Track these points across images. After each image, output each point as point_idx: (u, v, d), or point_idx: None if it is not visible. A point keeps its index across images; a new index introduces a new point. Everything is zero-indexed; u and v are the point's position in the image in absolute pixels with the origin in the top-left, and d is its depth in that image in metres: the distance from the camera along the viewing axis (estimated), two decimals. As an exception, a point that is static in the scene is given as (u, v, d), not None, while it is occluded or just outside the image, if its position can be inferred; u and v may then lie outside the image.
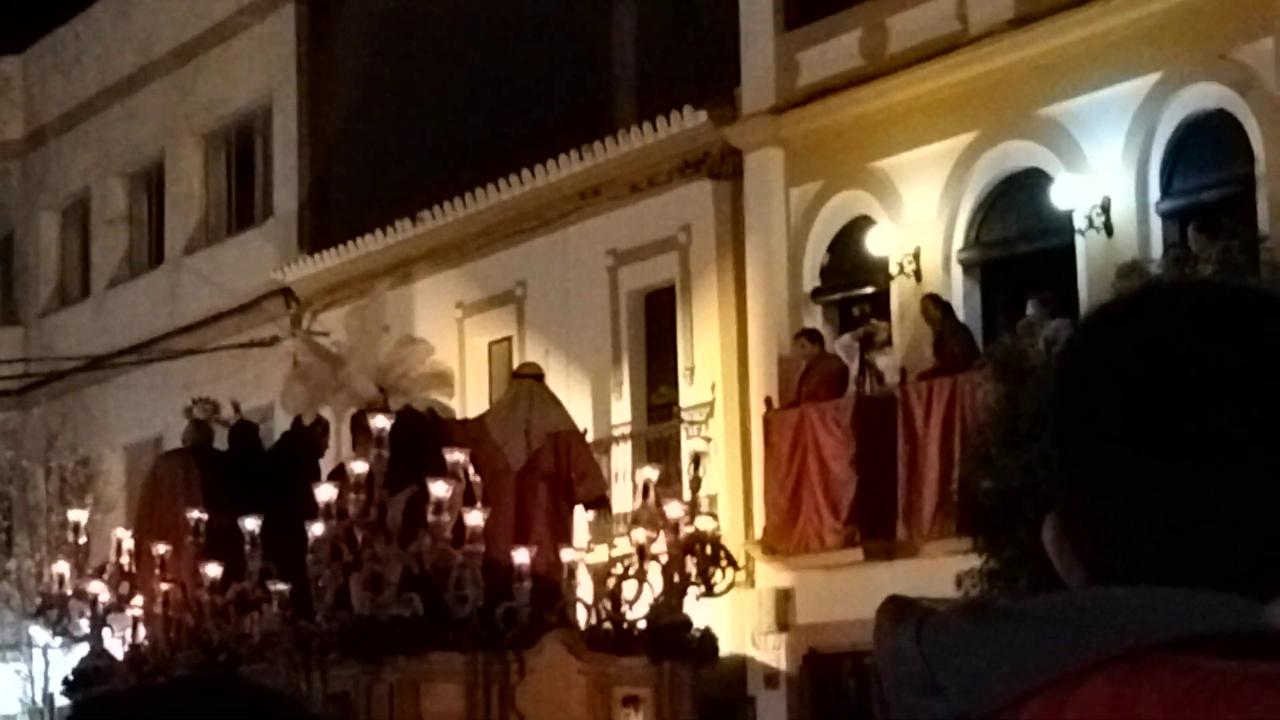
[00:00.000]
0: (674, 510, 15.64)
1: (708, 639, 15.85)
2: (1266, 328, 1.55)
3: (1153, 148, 16.85)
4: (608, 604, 15.52)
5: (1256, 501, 1.51)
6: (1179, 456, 1.53)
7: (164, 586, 16.76)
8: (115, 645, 17.63)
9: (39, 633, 21.47)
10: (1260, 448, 1.51)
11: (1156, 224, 16.87)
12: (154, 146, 30.18)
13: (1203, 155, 16.74)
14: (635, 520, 16.03)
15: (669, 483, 17.10)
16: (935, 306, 18.11)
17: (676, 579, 15.56)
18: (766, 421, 19.35)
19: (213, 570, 16.12)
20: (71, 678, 17.98)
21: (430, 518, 14.61)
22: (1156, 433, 1.53)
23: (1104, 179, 17.04)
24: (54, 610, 18.09)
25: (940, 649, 1.52)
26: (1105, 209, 16.98)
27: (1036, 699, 1.49)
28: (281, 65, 27.74)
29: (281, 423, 19.73)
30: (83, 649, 18.01)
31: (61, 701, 22.06)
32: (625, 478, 19.48)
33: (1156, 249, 16.54)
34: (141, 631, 17.22)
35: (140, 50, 30.37)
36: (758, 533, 19.39)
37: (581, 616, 15.51)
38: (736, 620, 18.95)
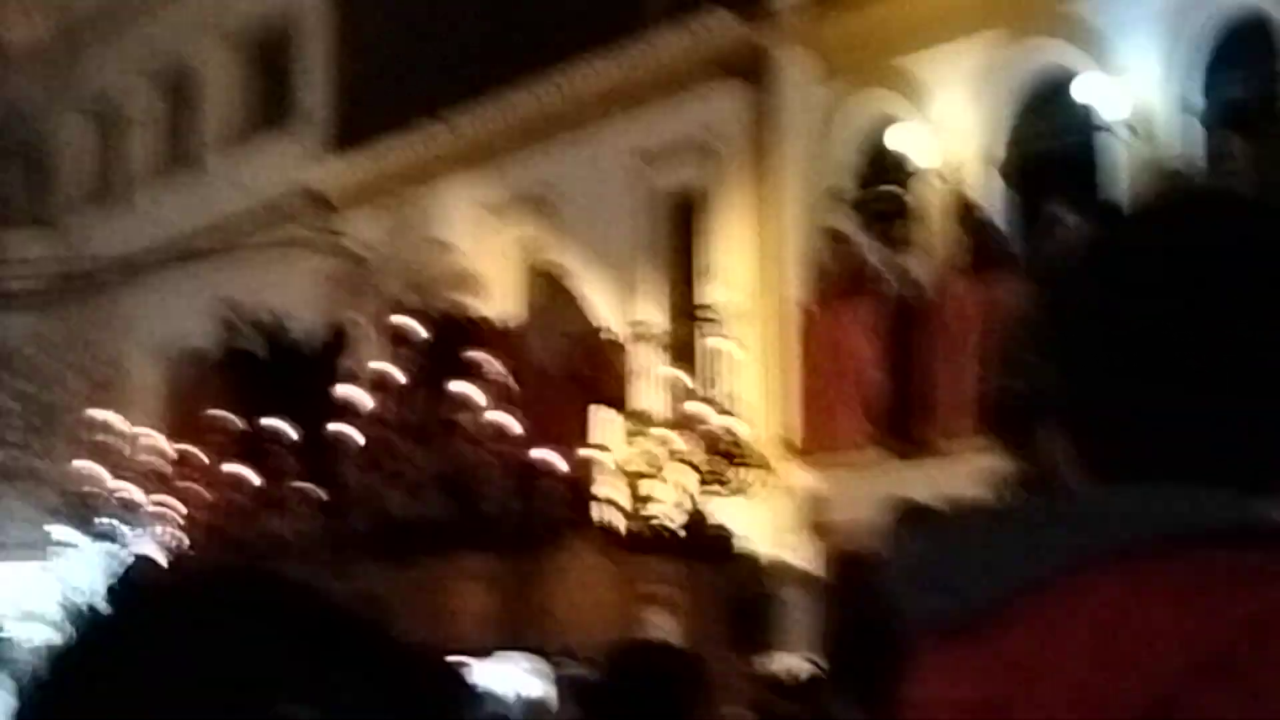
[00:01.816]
0: (703, 412, 15.68)
1: (735, 539, 15.93)
2: (1269, 240, 1.57)
3: (1186, 47, 16.72)
4: (636, 504, 15.60)
5: (1258, 409, 1.54)
6: (1183, 367, 1.55)
7: (196, 488, 16.88)
8: (148, 546, 17.77)
9: (71, 533, 21.63)
10: (1259, 360, 1.54)
11: (1190, 125, 16.77)
12: (181, 46, 30.11)
13: (1238, 56, 16.60)
14: (663, 421, 16.07)
15: (697, 384, 17.13)
16: (967, 206, 18.06)
17: (704, 479, 15.63)
18: (795, 323, 19.34)
19: (245, 472, 16.22)
20: (106, 579, 18.15)
21: (459, 418, 14.68)
22: (1163, 344, 1.56)
23: (1136, 79, 16.93)
24: (86, 511, 18.24)
25: (950, 547, 1.56)
26: (1137, 109, 16.89)
27: (1046, 593, 1.52)
28: (308, -35, 27.62)
29: (313, 325, 19.78)
30: (115, 549, 18.17)
31: (96, 602, 22.25)
32: (653, 379, 19.52)
33: (1189, 150, 16.46)
34: (174, 532, 17.36)
35: (167, -50, 30.26)
36: (786, 434, 19.42)
37: (610, 517, 15.59)
38: (765, 520, 19.02)
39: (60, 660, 1.24)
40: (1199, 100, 16.79)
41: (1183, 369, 1.55)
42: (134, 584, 17.22)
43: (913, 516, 1.60)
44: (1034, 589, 1.52)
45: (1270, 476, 1.55)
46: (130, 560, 17.89)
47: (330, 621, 1.23)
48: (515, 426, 14.87)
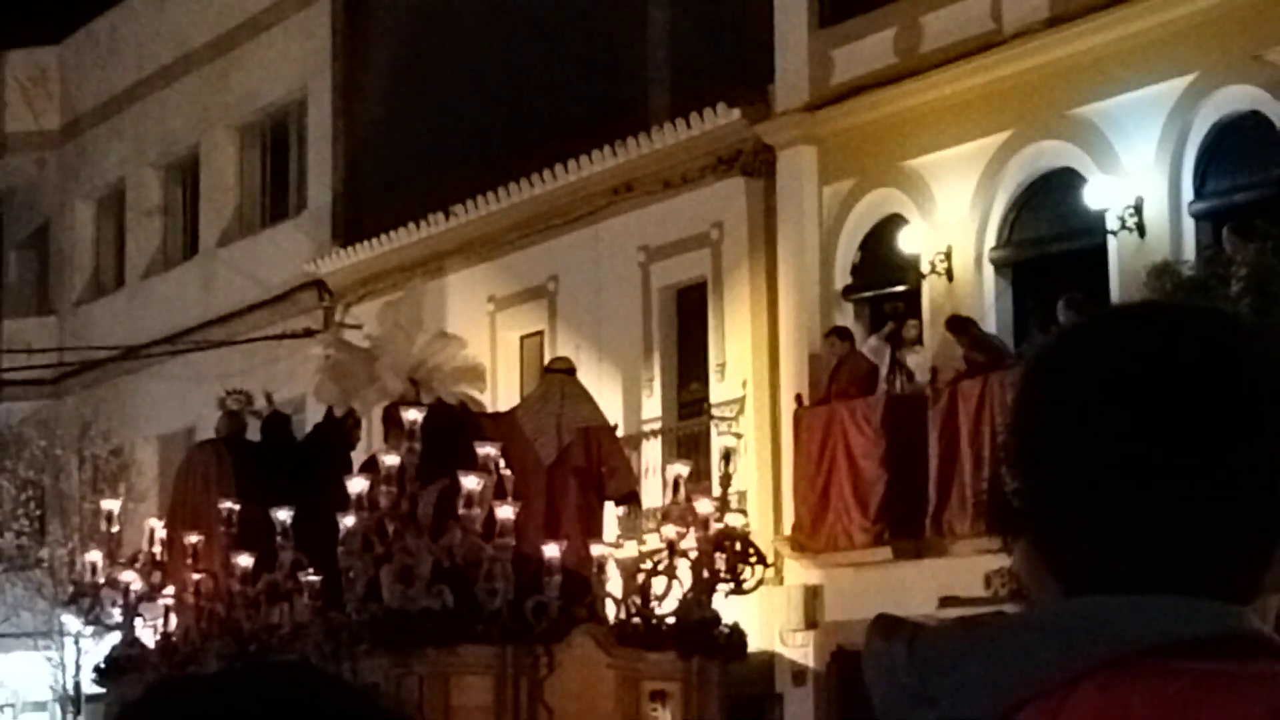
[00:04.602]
0: (704, 506, 15.66)
1: (736, 635, 15.87)
2: (1225, 350, 1.59)
3: (1186, 149, 16.83)
4: (637, 599, 15.55)
5: (1219, 516, 1.56)
6: (1141, 479, 1.56)
7: (195, 576, 16.83)
8: (147, 634, 17.70)
9: (71, 621, 21.57)
10: (1222, 465, 1.56)
11: (1189, 225, 16.86)
12: (189, 138, 30.30)
13: (1236, 157, 16.72)
14: (665, 516, 16.05)
15: (699, 479, 17.13)
16: (955, 329, 17.93)
17: (706, 575, 15.59)
18: (797, 419, 19.37)
19: (244, 560, 16.18)
20: (103, 666, 18.07)
21: (461, 511, 14.66)
22: (1118, 458, 1.57)
23: (1137, 180, 17.03)
24: (86, 599, 18.17)
25: (932, 662, 1.56)
26: (1138, 209, 16.98)
27: (1028, 708, 1.53)
28: (316, 58, 27.84)
29: (314, 414, 19.80)
30: (114, 638, 18.10)
31: (92, 689, 22.16)
32: (655, 473, 19.52)
33: (1189, 250, 16.54)
34: (173, 621, 17.29)
35: (176, 42, 30.50)
36: (787, 530, 19.41)
37: (611, 611, 15.54)
38: (765, 617, 18.98)
39: None
40: (1199, 200, 16.89)
41: (1148, 478, 1.56)
42: (124, 676, 17.14)
43: (894, 630, 1.58)
44: (1020, 704, 1.53)
45: (1244, 584, 1.56)
46: (117, 645, 17.82)
47: (366, 715, 1.25)
48: (517, 519, 14.85)
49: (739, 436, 19.65)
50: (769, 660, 19.40)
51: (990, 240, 18.61)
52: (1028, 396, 1.64)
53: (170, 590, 17.27)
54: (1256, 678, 1.50)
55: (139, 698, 1.25)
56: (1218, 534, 1.55)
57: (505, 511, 14.71)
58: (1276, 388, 1.57)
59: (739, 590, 15.79)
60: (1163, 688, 1.50)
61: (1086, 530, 1.58)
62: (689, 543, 15.59)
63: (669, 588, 15.55)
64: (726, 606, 15.94)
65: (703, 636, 15.52)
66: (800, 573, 19.42)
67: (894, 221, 19.39)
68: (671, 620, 15.55)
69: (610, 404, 19.20)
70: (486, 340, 23.12)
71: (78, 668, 26.42)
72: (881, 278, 19.77)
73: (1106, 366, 1.59)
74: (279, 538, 15.81)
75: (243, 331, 27.50)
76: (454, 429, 15.65)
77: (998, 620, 1.57)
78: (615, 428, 17.53)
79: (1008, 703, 1.53)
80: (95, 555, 18.25)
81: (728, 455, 16.92)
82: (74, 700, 27.04)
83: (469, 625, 14.74)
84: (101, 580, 17.86)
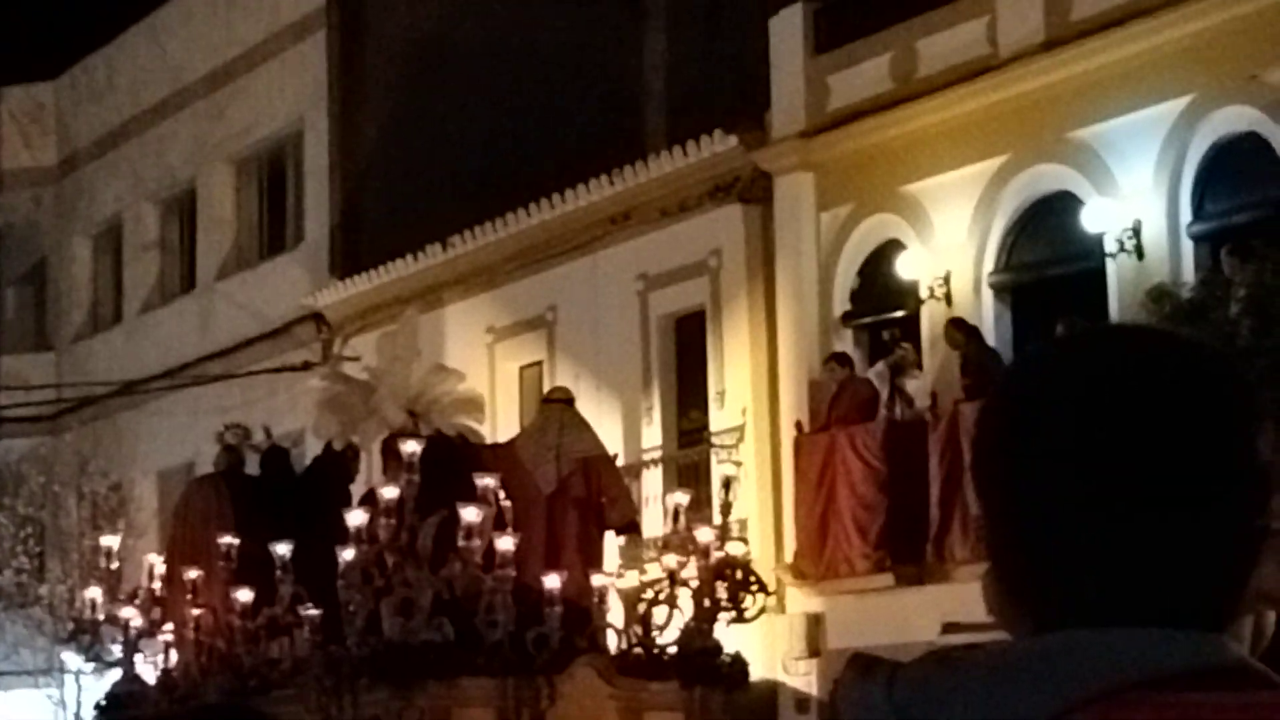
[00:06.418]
0: (704, 535, 15.63)
1: (738, 664, 15.83)
2: (1191, 375, 1.55)
3: (1184, 171, 16.81)
4: (638, 629, 15.51)
5: (1196, 545, 1.52)
6: (1110, 507, 1.53)
7: (195, 611, 16.79)
8: (147, 670, 17.67)
9: (71, 658, 21.49)
10: (1192, 493, 1.53)
11: (1188, 247, 16.83)
12: (186, 172, 30.30)
13: (1234, 178, 16.70)
14: (666, 545, 16.02)
15: (699, 507, 17.10)
16: (958, 331, 18.06)
17: (707, 604, 15.55)
18: (797, 446, 19.32)
19: (244, 595, 16.14)
20: (104, 703, 18.02)
21: (461, 543, 14.62)
22: (1086, 487, 1.53)
23: (1135, 202, 17.01)
24: (86, 635, 18.14)
25: (914, 701, 1.52)
26: (1136, 232, 16.95)
27: None
28: (312, 91, 27.84)
29: (313, 448, 19.76)
30: (115, 674, 18.06)
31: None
32: (656, 502, 19.47)
33: (1188, 272, 16.51)
34: (173, 656, 17.26)
35: (172, 77, 30.51)
36: (788, 557, 19.35)
37: (612, 641, 15.50)
38: (767, 645, 18.91)
39: None
40: (1198, 222, 16.86)
41: (1122, 507, 1.52)
42: (124, 712, 17.10)
43: (872, 669, 1.54)
44: None
45: (1221, 612, 1.53)
46: (118, 682, 17.77)
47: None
48: (517, 550, 14.81)
49: (739, 464, 19.61)
50: (772, 689, 19.32)
51: (989, 264, 18.58)
52: (995, 422, 1.59)
53: (170, 626, 17.24)
54: (1248, 708, 1.47)
55: None
56: (1195, 563, 1.52)
57: (505, 543, 14.67)
58: (1247, 413, 1.55)
59: (740, 619, 15.75)
60: None
61: (1056, 562, 1.54)
62: (690, 572, 15.55)
63: (670, 617, 15.51)
64: (728, 635, 15.89)
65: (705, 666, 15.48)
66: (802, 600, 19.35)
67: (892, 247, 19.36)
68: (673, 650, 15.51)
69: (610, 433, 19.16)
70: (485, 371, 23.09)
71: (79, 705, 26.31)
72: (880, 303, 19.74)
73: (1076, 393, 1.55)
74: (278, 572, 15.78)
75: (241, 365, 27.46)
76: (453, 460, 15.62)
77: (977, 657, 1.52)
78: (615, 457, 17.50)
79: None
80: (95, 592, 18.22)
81: (728, 483, 16.88)
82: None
83: (470, 657, 14.70)
84: (101, 617, 17.83)
